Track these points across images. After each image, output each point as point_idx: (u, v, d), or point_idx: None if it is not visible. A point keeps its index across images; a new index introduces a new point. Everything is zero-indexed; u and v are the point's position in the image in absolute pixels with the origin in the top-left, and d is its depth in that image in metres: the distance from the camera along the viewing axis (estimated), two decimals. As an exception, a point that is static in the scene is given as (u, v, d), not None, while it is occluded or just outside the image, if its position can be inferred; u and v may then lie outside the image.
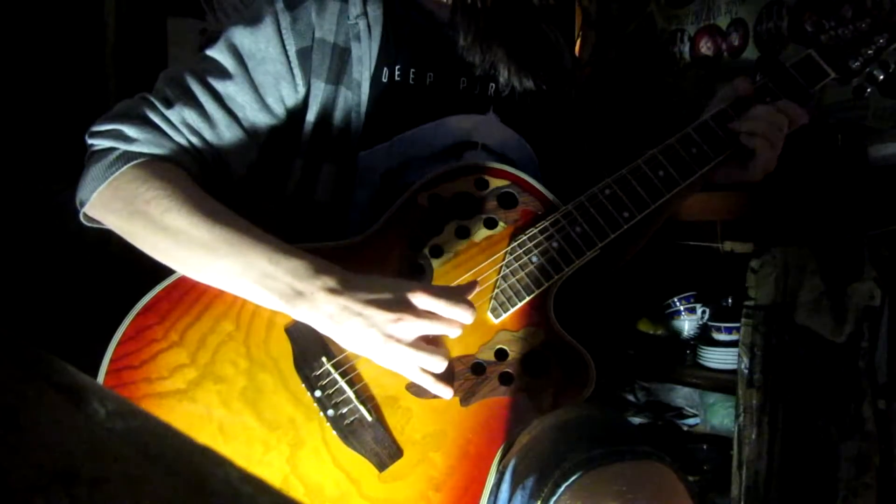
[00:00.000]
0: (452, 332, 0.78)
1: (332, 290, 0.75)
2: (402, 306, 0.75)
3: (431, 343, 0.79)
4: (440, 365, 0.77)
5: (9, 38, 1.45)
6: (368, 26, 0.92)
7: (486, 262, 0.86)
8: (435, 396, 0.81)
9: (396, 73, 0.94)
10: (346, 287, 0.76)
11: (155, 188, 0.80)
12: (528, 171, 0.91)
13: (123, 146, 0.83)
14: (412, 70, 0.94)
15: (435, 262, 0.86)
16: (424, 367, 0.77)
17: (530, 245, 0.87)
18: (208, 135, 0.87)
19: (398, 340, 0.75)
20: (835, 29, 0.96)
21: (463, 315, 0.77)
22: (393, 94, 0.93)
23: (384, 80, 0.93)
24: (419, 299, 0.76)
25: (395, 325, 0.74)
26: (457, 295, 0.78)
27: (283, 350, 0.81)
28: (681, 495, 0.68)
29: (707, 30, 2.03)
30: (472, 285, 0.83)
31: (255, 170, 0.93)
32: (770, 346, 1.53)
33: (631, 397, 2.07)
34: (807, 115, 0.95)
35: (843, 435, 1.42)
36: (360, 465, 0.79)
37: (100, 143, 0.84)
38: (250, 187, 0.95)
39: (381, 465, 0.80)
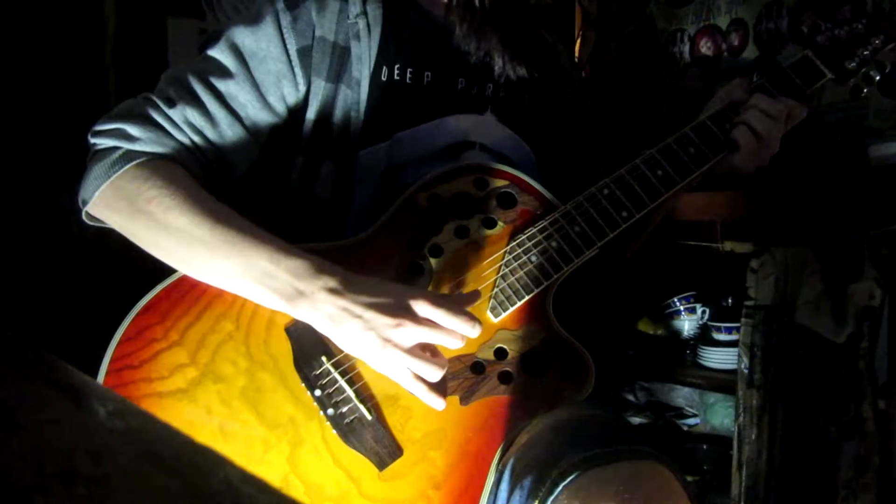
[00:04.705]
0: (452, 344, 0.77)
1: (332, 291, 0.75)
2: (403, 312, 0.75)
3: (429, 351, 0.78)
4: (435, 375, 0.76)
5: (9, 38, 1.45)
6: (368, 25, 0.92)
7: (486, 262, 0.87)
8: None
9: (395, 72, 0.94)
10: (347, 288, 0.76)
11: (157, 187, 0.80)
12: (526, 170, 0.92)
13: (126, 145, 0.83)
14: (410, 70, 0.95)
15: (434, 262, 0.86)
16: (419, 375, 0.77)
17: (529, 244, 0.87)
18: (210, 134, 0.87)
19: (395, 345, 0.74)
20: (831, 30, 0.97)
21: (464, 328, 0.76)
22: (392, 92, 0.93)
23: (383, 78, 0.93)
24: (421, 307, 0.75)
25: (394, 330, 0.74)
26: (460, 307, 0.78)
27: (283, 349, 0.81)
28: (678, 495, 0.69)
29: (707, 30, 2.03)
30: (474, 295, 0.82)
31: (257, 168, 0.94)
32: (770, 346, 1.53)
33: (631, 397, 2.07)
34: (806, 110, 0.95)
35: (843, 435, 1.42)
36: (359, 463, 0.79)
37: (102, 143, 0.84)
38: (251, 185, 0.95)
39: (381, 464, 0.80)
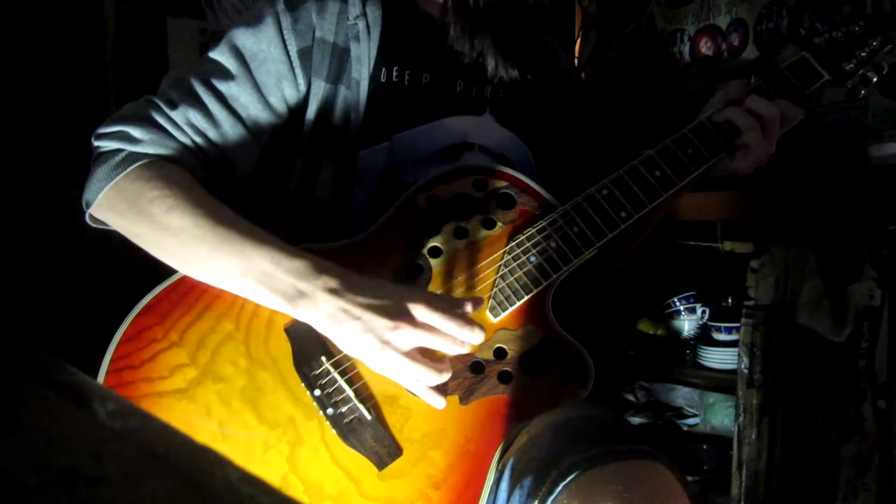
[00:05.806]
0: (451, 350, 0.76)
1: (332, 291, 0.75)
2: (401, 315, 0.74)
3: (430, 354, 0.78)
4: (433, 379, 0.76)
5: (9, 39, 1.45)
6: (367, 27, 0.92)
7: (485, 262, 0.87)
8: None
9: (394, 73, 0.94)
10: (347, 289, 0.76)
11: (159, 188, 0.80)
12: (525, 171, 0.92)
13: (129, 147, 0.83)
14: (409, 71, 0.95)
15: (433, 263, 0.86)
16: (418, 379, 0.77)
17: (528, 245, 0.87)
18: (212, 134, 0.88)
19: (394, 348, 0.74)
20: (829, 31, 0.97)
21: (462, 333, 0.75)
22: (391, 94, 0.94)
23: (382, 80, 0.93)
24: (419, 311, 0.74)
25: (392, 332, 0.73)
26: (460, 312, 0.76)
27: (283, 349, 0.82)
28: (678, 495, 0.69)
29: (707, 30, 2.03)
30: (476, 300, 0.80)
31: (257, 168, 0.94)
32: (770, 346, 1.53)
33: (631, 397, 2.07)
34: (802, 112, 0.95)
35: (843, 435, 1.42)
36: (359, 463, 0.79)
37: (106, 145, 0.85)
38: (252, 186, 0.96)
39: (381, 464, 0.80)
